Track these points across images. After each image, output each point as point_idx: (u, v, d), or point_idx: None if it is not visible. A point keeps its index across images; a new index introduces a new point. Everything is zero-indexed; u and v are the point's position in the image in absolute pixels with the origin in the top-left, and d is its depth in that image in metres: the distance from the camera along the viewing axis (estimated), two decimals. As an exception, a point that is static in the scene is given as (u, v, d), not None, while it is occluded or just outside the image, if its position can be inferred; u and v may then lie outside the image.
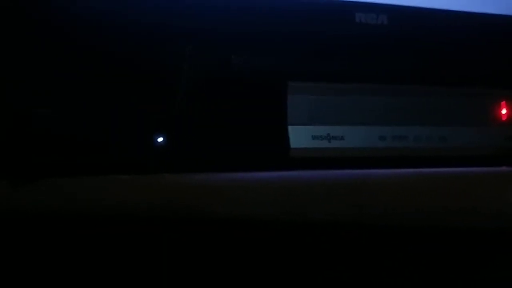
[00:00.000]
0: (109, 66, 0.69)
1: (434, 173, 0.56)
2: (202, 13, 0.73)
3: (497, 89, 0.85)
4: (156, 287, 0.60)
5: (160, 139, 0.68)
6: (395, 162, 0.76)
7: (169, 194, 0.61)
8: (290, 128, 0.75)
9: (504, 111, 0.85)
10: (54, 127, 0.66)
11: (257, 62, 0.74)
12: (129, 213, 0.60)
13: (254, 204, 0.57)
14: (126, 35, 0.69)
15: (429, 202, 0.52)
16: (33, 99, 0.66)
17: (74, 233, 0.60)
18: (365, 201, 0.52)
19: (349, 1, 0.79)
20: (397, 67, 0.81)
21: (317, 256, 0.56)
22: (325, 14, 0.78)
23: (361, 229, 0.52)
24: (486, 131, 0.83)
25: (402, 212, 0.52)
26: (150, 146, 0.68)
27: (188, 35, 0.72)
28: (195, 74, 0.72)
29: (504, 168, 0.67)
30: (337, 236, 0.54)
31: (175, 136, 0.69)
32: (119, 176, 0.63)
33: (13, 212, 0.60)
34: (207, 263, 0.59)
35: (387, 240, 0.53)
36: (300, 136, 0.75)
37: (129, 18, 0.69)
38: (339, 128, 0.77)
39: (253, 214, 0.56)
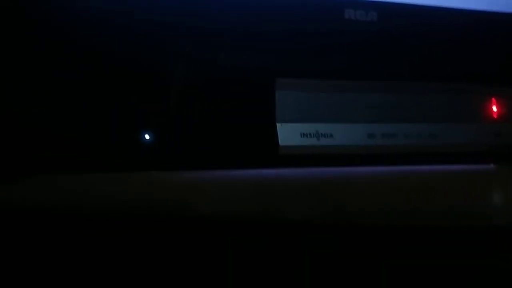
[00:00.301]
0: (98, 65, 0.69)
1: (419, 171, 0.56)
2: (190, 11, 0.73)
3: (487, 86, 0.85)
4: (144, 283, 0.60)
5: (147, 137, 0.69)
6: (384, 160, 0.77)
7: (156, 191, 0.61)
8: (278, 125, 0.75)
9: (494, 108, 0.85)
10: (44, 125, 0.67)
11: (245, 59, 0.75)
12: (116, 210, 0.60)
13: (237, 202, 0.57)
14: (115, 35, 0.69)
15: (414, 200, 0.53)
16: (23, 97, 0.67)
17: (60, 229, 0.60)
18: (346, 200, 0.53)
19: (339, -2, 0.80)
20: (387, 64, 0.81)
21: (298, 255, 0.56)
22: (314, 10, 0.78)
23: (342, 228, 0.52)
24: (476, 128, 0.84)
25: (386, 211, 0.52)
26: (138, 143, 0.69)
27: (176, 33, 0.72)
28: (183, 72, 0.72)
29: (491, 166, 0.67)
30: (316, 235, 0.54)
31: (163, 133, 0.70)
32: (107, 173, 0.64)
33: (1, 209, 0.60)
34: (192, 260, 0.59)
35: (371, 240, 0.53)
36: (288, 134, 0.75)
37: (117, 17, 0.69)
38: (327, 125, 0.77)
39: (236, 212, 0.56)
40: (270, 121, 0.75)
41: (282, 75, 0.76)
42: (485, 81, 0.85)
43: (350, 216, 0.52)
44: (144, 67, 0.70)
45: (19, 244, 0.60)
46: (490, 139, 0.84)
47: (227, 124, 0.73)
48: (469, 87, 0.84)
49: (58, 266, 0.60)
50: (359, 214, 0.52)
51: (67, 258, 0.60)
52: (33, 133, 0.66)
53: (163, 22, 0.71)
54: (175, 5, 0.72)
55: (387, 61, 0.81)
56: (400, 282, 0.53)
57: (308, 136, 0.76)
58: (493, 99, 0.85)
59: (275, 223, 0.54)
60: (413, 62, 0.82)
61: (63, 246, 0.60)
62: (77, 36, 0.68)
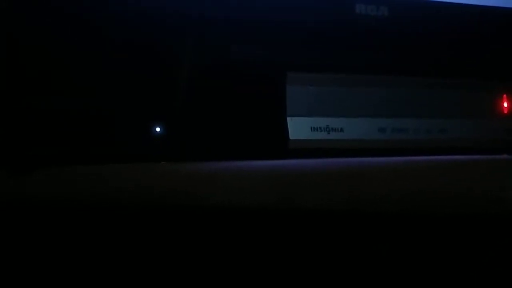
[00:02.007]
0: (109, 57, 0.70)
1: (433, 160, 0.58)
2: (202, 3, 0.75)
3: (498, 82, 0.87)
4: (155, 273, 0.62)
5: (159, 129, 0.71)
6: (394, 154, 0.78)
7: (168, 182, 0.63)
8: (289, 119, 0.76)
9: (505, 104, 0.87)
10: (56, 117, 0.68)
11: (256, 53, 0.76)
12: (128, 201, 0.62)
13: (250, 192, 0.59)
14: (126, 28, 0.71)
15: (428, 188, 0.54)
16: (35, 90, 0.68)
17: (74, 220, 0.62)
18: (360, 189, 0.55)
19: (350, -8, 0.81)
20: (397, 59, 0.83)
21: (312, 243, 0.58)
22: (325, 4, 0.80)
23: (356, 216, 0.54)
24: (486, 123, 0.85)
25: (398, 199, 0.54)
26: (150, 135, 0.70)
27: (187, 25, 0.73)
28: (194, 65, 0.74)
29: (505, 156, 0.69)
30: (331, 223, 0.56)
31: (174, 126, 0.71)
32: (118, 164, 0.65)
33: (15, 200, 0.61)
34: (204, 250, 0.61)
35: (384, 228, 0.55)
36: (299, 128, 0.77)
37: (130, 10, 0.71)
38: (338, 119, 0.78)
39: (249, 202, 0.58)
40: (281, 115, 0.76)
41: (293, 69, 0.77)
42: (496, 76, 0.87)
43: (365, 204, 0.53)
44: (156, 60, 0.72)
45: (32, 236, 0.61)
46: (501, 134, 0.86)
47: (238, 118, 0.75)
48: (480, 83, 0.86)
49: (72, 257, 0.62)
50: (374, 202, 0.53)
51: (80, 248, 0.62)
52: (45, 125, 0.68)
53: (175, 15, 0.73)
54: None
55: (398, 56, 0.83)
56: (411, 267, 0.55)
57: (319, 130, 0.77)
58: (504, 95, 0.87)
59: (289, 212, 0.55)
60: (424, 57, 0.84)
61: (76, 237, 0.62)
62: (88, 29, 0.70)
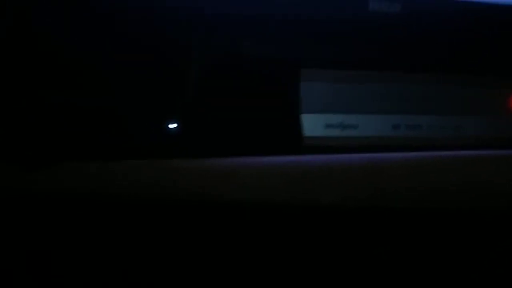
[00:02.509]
0: (123, 53, 0.71)
1: (449, 156, 0.58)
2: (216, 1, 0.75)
3: (512, 79, 0.88)
4: (166, 269, 0.62)
5: (174, 125, 0.71)
6: (409, 151, 0.79)
7: (181, 179, 0.63)
8: (303, 116, 0.77)
9: (519, 101, 0.87)
10: (69, 113, 0.69)
11: (270, 49, 0.77)
12: (142, 196, 0.62)
13: (266, 189, 0.59)
14: (139, 23, 0.71)
15: (446, 183, 0.55)
16: (47, 86, 0.69)
17: (87, 214, 0.62)
18: (377, 185, 0.55)
19: (364, -11, 0.82)
20: (411, 56, 0.83)
21: (328, 240, 0.58)
22: (339, 1, 0.80)
23: (375, 212, 0.54)
24: (500, 120, 0.86)
25: (416, 195, 0.54)
26: (165, 131, 0.71)
27: (201, 21, 0.74)
28: (207, 61, 0.74)
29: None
30: (349, 220, 0.56)
31: (188, 122, 0.72)
32: (132, 161, 0.66)
33: (27, 196, 0.62)
34: (219, 247, 0.61)
35: (402, 223, 0.55)
36: (313, 124, 0.77)
37: (144, 7, 0.71)
38: (352, 116, 0.79)
39: (265, 198, 0.58)
40: (295, 111, 0.76)
41: (307, 65, 0.78)
42: (511, 74, 0.87)
43: (382, 200, 0.54)
44: (170, 56, 0.72)
45: (46, 231, 0.62)
46: (514, 132, 0.86)
47: (252, 115, 0.75)
48: (494, 80, 0.86)
49: (84, 253, 0.62)
50: (392, 198, 0.54)
51: (93, 244, 0.62)
52: (59, 121, 0.68)
53: (189, 11, 0.73)
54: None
55: (412, 53, 0.83)
56: (429, 261, 0.55)
57: (333, 127, 0.78)
58: (519, 93, 0.87)
59: (305, 209, 0.56)
60: (438, 53, 0.84)
61: (90, 232, 0.62)
62: (103, 25, 0.70)
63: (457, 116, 0.83)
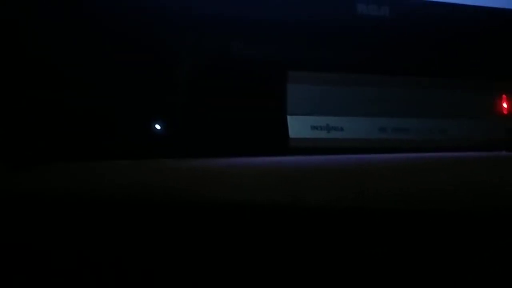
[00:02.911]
0: (109, 55, 0.71)
1: (434, 157, 0.59)
2: (201, 0, 0.76)
3: (498, 82, 0.88)
4: (154, 270, 0.62)
5: (159, 126, 0.72)
6: (394, 154, 0.79)
7: (168, 179, 0.64)
8: (289, 117, 0.77)
9: (504, 105, 0.88)
10: (58, 114, 0.69)
11: (257, 51, 0.77)
12: (128, 197, 0.62)
13: (253, 189, 0.60)
14: (124, 25, 0.72)
15: (431, 183, 0.55)
16: (35, 86, 0.69)
17: (74, 215, 0.62)
18: (364, 185, 0.55)
19: (351, -8, 0.82)
20: (398, 59, 0.84)
21: (314, 240, 0.58)
22: (327, 4, 0.81)
23: (360, 213, 0.55)
24: (486, 124, 0.87)
25: (402, 196, 0.55)
26: (152, 132, 0.71)
27: (188, 23, 0.74)
28: (194, 63, 0.75)
29: (503, 153, 0.70)
30: (335, 220, 0.56)
31: (175, 123, 0.72)
32: (119, 161, 0.66)
33: (15, 195, 0.62)
34: (204, 247, 0.62)
35: (387, 224, 0.56)
36: (299, 126, 0.78)
37: (130, 8, 0.72)
38: (338, 118, 0.79)
39: (252, 199, 0.59)
40: (281, 113, 0.77)
41: (294, 68, 0.78)
42: (497, 77, 0.88)
43: (369, 201, 0.54)
44: (157, 58, 0.73)
45: (33, 231, 0.62)
46: (501, 134, 0.87)
47: (239, 116, 0.75)
48: (480, 83, 0.87)
49: (71, 253, 0.62)
50: (378, 199, 0.54)
51: (80, 244, 0.62)
52: (47, 122, 0.69)
53: (176, 13, 0.74)
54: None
55: (399, 56, 0.84)
56: (414, 264, 0.56)
57: (319, 128, 0.78)
58: (504, 95, 0.88)
59: (292, 209, 0.56)
60: (424, 57, 0.85)
61: (76, 233, 0.63)
62: (88, 27, 0.71)
63: (443, 119, 0.84)
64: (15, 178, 0.63)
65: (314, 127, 0.78)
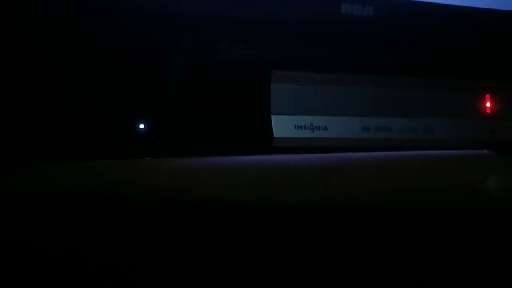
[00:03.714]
0: (95, 54, 0.72)
1: (415, 155, 0.60)
2: (188, 0, 0.76)
3: (482, 82, 0.89)
4: (143, 268, 0.63)
5: (144, 126, 0.72)
6: (376, 153, 0.80)
7: (150, 178, 0.65)
8: (273, 117, 0.78)
9: (488, 104, 0.89)
10: (42, 112, 0.70)
11: (241, 51, 0.78)
12: (111, 196, 0.63)
13: (233, 188, 0.61)
14: (109, 23, 0.72)
15: (410, 183, 0.56)
16: (20, 86, 0.70)
17: (59, 216, 0.63)
18: (343, 184, 0.56)
19: (335, -9, 0.83)
20: (382, 59, 0.85)
21: (296, 240, 0.59)
22: (311, 3, 0.82)
23: (339, 212, 0.56)
24: (470, 123, 0.88)
25: (382, 195, 0.56)
26: (135, 131, 0.72)
27: (173, 23, 0.75)
28: (179, 62, 0.75)
29: (485, 152, 0.70)
30: (315, 219, 0.57)
31: (158, 122, 0.73)
32: (103, 160, 0.67)
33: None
34: (188, 246, 0.62)
35: (368, 223, 0.57)
36: (283, 126, 0.79)
37: (116, 6, 0.73)
38: (322, 118, 0.80)
39: (233, 198, 0.60)
40: (265, 112, 0.78)
41: (278, 67, 0.79)
42: (481, 77, 0.89)
43: (349, 200, 0.55)
44: (142, 57, 0.73)
45: (20, 233, 0.62)
46: (484, 135, 0.88)
47: (222, 115, 0.76)
48: (464, 83, 0.88)
49: (59, 256, 0.63)
50: (357, 198, 0.55)
51: (68, 245, 0.63)
52: (30, 121, 0.69)
53: (161, 12, 0.75)
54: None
55: (383, 56, 0.85)
56: (395, 263, 0.57)
57: (303, 128, 0.79)
58: (488, 95, 0.89)
59: (273, 208, 0.57)
60: (408, 57, 0.86)
61: (64, 233, 0.63)
62: (74, 25, 0.72)
63: (426, 119, 0.85)
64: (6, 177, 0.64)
65: (298, 127, 0.79)
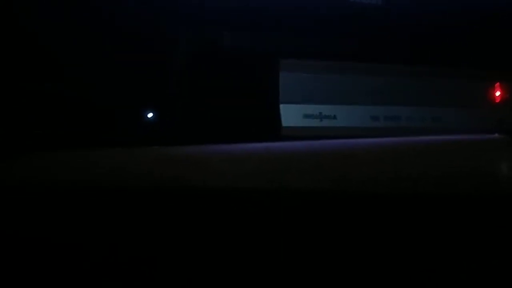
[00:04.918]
0: (101, 44, 0.73)
1: (423, 140, 0.60)
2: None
3: (492, 71, 0.90)
4: (144, 255, 0.63)
5: (152, 114, 0.73)
6: (382, 139, 0.81)
7: (162, 165, 0.65)
8: (282, 106, 0.79)
9: (497, 93, 0.90)
10: (52, 101, 0.70)
11: (249, 39, 0.78)
12: (119, 184, 0.64)
13: (240, 175, 0.61)
14: (118, 15, 0.73)
15: (417, 168, 0.56)
16: (27, 76, 0.70)
17: (68, 201, 0.63)
18: (349, 170, 0.57)
19: (345, -20, 0.84)
20: (391, 47, 0.85)
21: (302, 224, 0.60)
22: (319, -8, 0.83)
23: (345, 197, 0.56)
24: (479, 112, 0.88)
25: (388, 180, 0.56)
26: (145, 120, 0.73)
27: (182, 13, 0.75)
28: (187, 52, 0.76)
29: (496, 135, 0.71)
30: (322, 204, 0.58)
31: (168, 111, 0.74)
32: (112, 148, 0.68)
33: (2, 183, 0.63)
34: (195, 232, 0.63)
35: (373, 208, 0.57)
36: (291, 115, 0.79)
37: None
38: (331, 107, 0.81)
39: (240, 185, 0.60)
40: (274, 101, 0.78)
41: (287, 56, 0.80)
42: (491, 66, 0.89)
43: (355, 186, 0.55)
44: (150, 47, 0.74)
45: (22, 223, 0.63)
46: (493, 124, 0.88)
47: (231, 105, 0.77)
48: (474, 72, 0.89)
49: (62, 243, 0.63)
50: (363, 183, 0.56)
51: (71, 232, 0.63)
52: (38, 111, 0.70)
53: (167, 4, 0.75)
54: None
55: (392, 44, 0.85)
56: (400, 247, 0.57)
57: (311, 117, 0.80)
58: (497, 85, 0.90)
59: (279, 193, 0.57)
60: (418, 45, 0.87)
61: (69, 219, 0.64)
62: (80, 16, 0.72)
63: (435, 108, 0.86)
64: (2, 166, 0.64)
65: (306, 116, 0.80)
